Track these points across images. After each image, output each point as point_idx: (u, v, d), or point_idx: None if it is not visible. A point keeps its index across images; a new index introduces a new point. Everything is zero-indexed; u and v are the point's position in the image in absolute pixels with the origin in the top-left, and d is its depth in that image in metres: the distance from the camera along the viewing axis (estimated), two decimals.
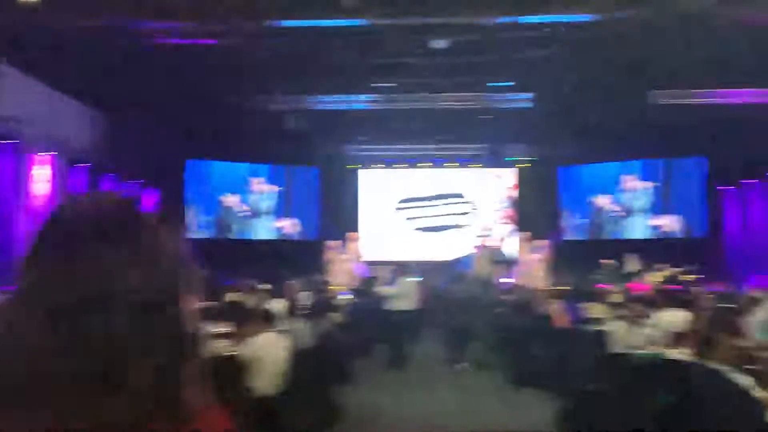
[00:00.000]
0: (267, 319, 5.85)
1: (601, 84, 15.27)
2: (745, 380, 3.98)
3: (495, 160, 20.17)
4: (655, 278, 15.83)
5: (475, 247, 18.56)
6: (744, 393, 3.84)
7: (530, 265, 17.76)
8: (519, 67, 14.50)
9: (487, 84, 15.71)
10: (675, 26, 11.67)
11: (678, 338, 6.30)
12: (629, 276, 17.17)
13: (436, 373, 9.38)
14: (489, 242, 19.89)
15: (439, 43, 14.05)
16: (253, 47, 13.08)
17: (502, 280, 17.35)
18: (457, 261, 17.46)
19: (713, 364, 4.04)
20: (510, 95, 15.54)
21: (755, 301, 8.63)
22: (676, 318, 7.41)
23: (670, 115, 15.62)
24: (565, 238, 20.37)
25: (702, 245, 18.92)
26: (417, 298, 9.83)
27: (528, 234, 18.61)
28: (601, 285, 14.75)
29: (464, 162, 20.41)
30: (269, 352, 5.35)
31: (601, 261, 17.38)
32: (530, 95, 15.17)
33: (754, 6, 10.59)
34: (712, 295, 10.53)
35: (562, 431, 6.19)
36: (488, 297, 10.80)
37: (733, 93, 14.66)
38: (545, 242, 18.35)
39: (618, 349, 6.34)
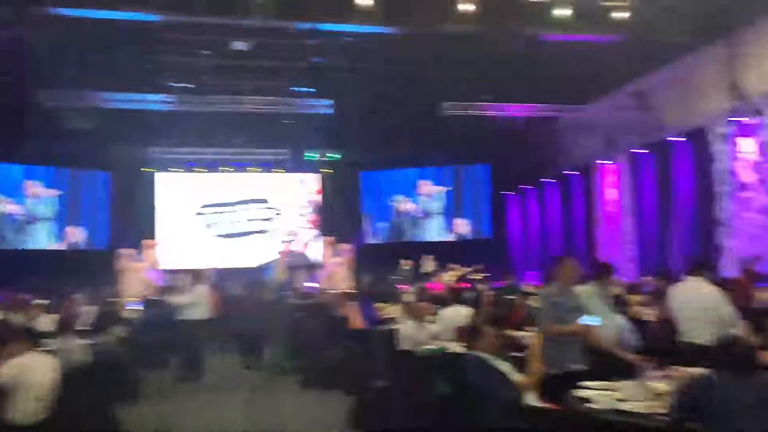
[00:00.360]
0: (31, 338, 5.32)
1: (397, 94, 16.17)
2: (504, 366, 4.43)
3: (298, 165, 20.34)
4: (448, 277, 16.99)
5: (279, 252, 18.56)
6: (503, 377, 4.27)
7: (333, 268, 18.15)
8: (320, 74, 14.81)
9: (291, 89, 15.85)
10: (458, 43, 12.72)
11: (459, 332, 6.82)
12: (426, 276, 18.26)
13: (233, 381, 9.20)
14: (293, 247, 20.01)
15: (240, 45, 13.88)
16: (31, 36, 11.87)
17: (306, 284, 17.57)
18: (260, 267, 17.34)
19: (479, 353, 4.44)
20: (312, 101, 15.77)
21: (527, 295, 9.65)
22: (459, 314, 8.01)
23: (458, 125, 16.93)
24: (367, 242, 21.13)
25: (489, 246, 20.74)
26: (212, 306, 9.56)
27: (331, 238, 19.02)
28: (400, 285, 15.55)
29: (267, 167, 20.32)
30: (31, 375, 4.86)
31: (401, 262, 18.29)
32: (331, 102, 15.52)
33: (528, 24, 11.80)
34: (493, 291, 11.53)
35: (352, 428, 6.40)
36: (287, 302, 10.84)
37: (514, 107, 16.24)
38: (348, 246, 18.87)
39: (407, 346, 6.70)
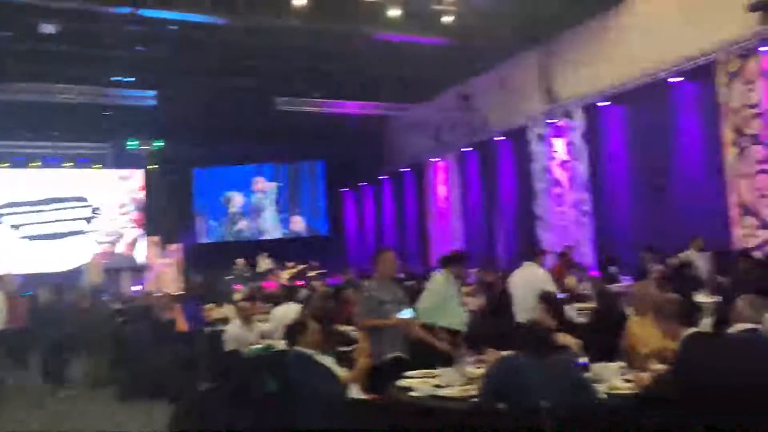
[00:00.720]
0: None
1: (229, 88, 15.66)
2: (327, 360, 4.39)
3: (119, 160, 18.98)
4: (285, 275, 16.81)
5: (94, 254, 17.24)
6: (326, 372, 4.23)
7: (161, 270, 17.21)
8: (141, 63, 13.90)
9: (111, 78, 14.73)
10: (292, 38, 12.58)
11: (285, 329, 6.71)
12: (263, 275, 17.92)
13: (37, 398, 8.32)
14: (117, 248, 18.71)
15: (49, 28, 12.63)
16: None
17: (132, 288, 16.49)
18: (74, 271, 15.96)
19: (302, 349, 4.36)
20: (133, 92, 14.77)
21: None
22: (290, 311, 7.90)
23: (292, 121, 16.79)
24: (199, 241, 20.31)
25: (325, 243, 20.83)
26: (11, 316, 8.58)
27: (157, 238, 18.00)
28: (235, 285, 15.09)
29: (84, 162, 18.74)
30: None
31: (236, 261, 17.79)
32: (153, 93, 14.63)
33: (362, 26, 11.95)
34: (328, 288, 11.55)
35: None
36: (104, 307, 10.05)
37: (348, 104, 16.41)
38: (177, 246, 18.00)
39: (233, 346, 6.46)
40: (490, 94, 15.31)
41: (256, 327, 7.02)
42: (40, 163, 18.26)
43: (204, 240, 20.47)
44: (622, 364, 4.10)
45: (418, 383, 4.02)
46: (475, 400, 3.51)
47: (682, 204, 11.19)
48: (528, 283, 6.03)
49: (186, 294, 10.83)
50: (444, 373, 4.04)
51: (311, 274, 16.50)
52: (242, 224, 21.00)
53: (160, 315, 9.08)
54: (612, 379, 3.77)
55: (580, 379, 3.24)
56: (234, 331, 6.58)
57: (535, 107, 14.23)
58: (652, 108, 11.72)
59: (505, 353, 3.41)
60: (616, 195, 12.69)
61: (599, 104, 12.67)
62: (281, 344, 6.37)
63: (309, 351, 4.29)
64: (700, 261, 9.35)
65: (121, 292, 14.33)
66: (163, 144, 18.77)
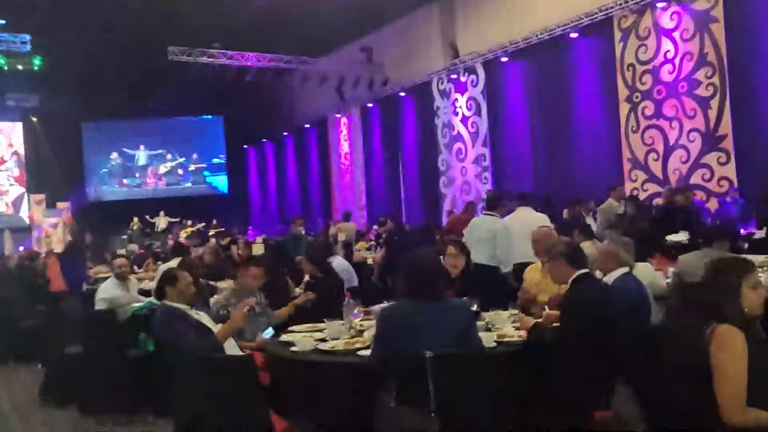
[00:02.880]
0: None
1: (120, 36, 14.33)
2: (202, 316, 3.91)
3: None
4: (182, 234, 15.97)
5: None
6: (195, 327, 3.76)
7: (47, 230, 15.89)
8: (12, 3, 12.38)
9: None
10: None
11: None
12: (161, 234, 17.01)
13: None
14: None
15: None
16: None
17: (20, 249, 15.14)
18: None
19: (171, 303, 3.86)
20: (4, 35, 13.16)
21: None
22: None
23: (189, 73, 15.63)
24: (91, 200, 18.91)
25: (226, 201, 19.92)
26: None
27: (42, 196, 16.56)
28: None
29: None
30: None
31: (134, 219, 16.79)
32: (27, 37, 13.09)
33: None
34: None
35: (47, 399, 5.41)
36: None
37: (247, 55, 15.34)
38: (65, 204, 16.66)
39: (105, 305, 5.81)
40: (393, 48, 14.84)
41: (134, 286, 6.35)
42: None
43: (96, 199, 19.06)
44: (515, 311, 3.85)
45: (302, 337, 3.61)
46: (361, 353, 3.14)
47: (580, 159, 11.26)
48: (528, 225, 5.43)
49: (69, 254, 9.85)
50: (330, 326, 3.64)
51: (211, 233, 15.77)
52: (136, 182, 19.72)
53: (35, 275, 8.18)
54: (504, 326, 3.51)
55: (468, 326, 2.94)
56: (108, 290, 5.89)
57: (437, 62, 13.91)
58: (552, 64, 11.65)
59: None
60: (515, 150, 12.63)
61: (501, 60, 12.49)
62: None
63: (178, 305, 3.77)
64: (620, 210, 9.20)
65: None
66: (49, 112, 17.09)
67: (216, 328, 3.81)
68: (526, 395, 2.98)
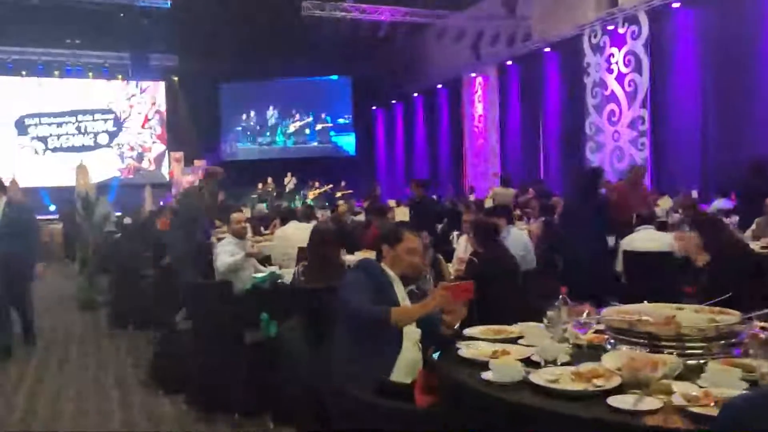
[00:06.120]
0: None
1: None
2: None
3: (141, 72, 16.97)
4: (309, 195, 15.14)
5: (120, 170, 15.64)
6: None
7: (184, 186, 15.54)
8: None
9: None
10: None
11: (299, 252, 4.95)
12: (289, 194, 16.28)
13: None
14: (140, 164, 17.10)
15: None
16: None
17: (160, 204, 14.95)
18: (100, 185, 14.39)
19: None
20: None
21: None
22: (297, 231, 6.15)
23: (320, 33, 14.52)
24: (225, 159, 18.51)
25: (354, 163, 18.89)
26: None
27: (180, 154, 16.26)
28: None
29: (104, 72, 16.79)
30: None
31: (268, 181, 16.14)
32: None
33: None
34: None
35: (154, 380, 4.46)
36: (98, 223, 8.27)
37: (380, 9, 13.83)
38: (202, 162, 16.26)
39: (223, 271, 4.73)
40: None
41: (248, 248, 5.11)
42: (58, 73, 16.35)
43: (230, 157, 18.65)
44: None
45: (499, 360, 2.16)
46: (614, 401, 1.68)
47: (761, 130, 8.94)
48: None
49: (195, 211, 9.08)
50: (536, 337, 2.21)
51: (338, 194, 14.80)
52: (266, 140, 19.11)
53: (157, 232, 7.35)
54: None
55: None
56: (227, 249, 4.75)
57: (588, 13, 11.82)
58: (736, 11, 9.30)
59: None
60: (681, 114, 10.43)
61: (672, 5, 10.24)
62: (287, 272, 4.61)
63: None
64: None
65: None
66: (189, 72, 16.65)
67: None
68: None
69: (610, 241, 5.54)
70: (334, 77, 18.71)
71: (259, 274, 4.74)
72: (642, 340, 2.11)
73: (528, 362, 2.10)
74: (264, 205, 12.55)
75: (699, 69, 10.04)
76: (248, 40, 15.68)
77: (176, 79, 17.35)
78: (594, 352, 2.17)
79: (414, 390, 2.26)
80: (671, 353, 2.03)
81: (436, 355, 2.47)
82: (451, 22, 13.66)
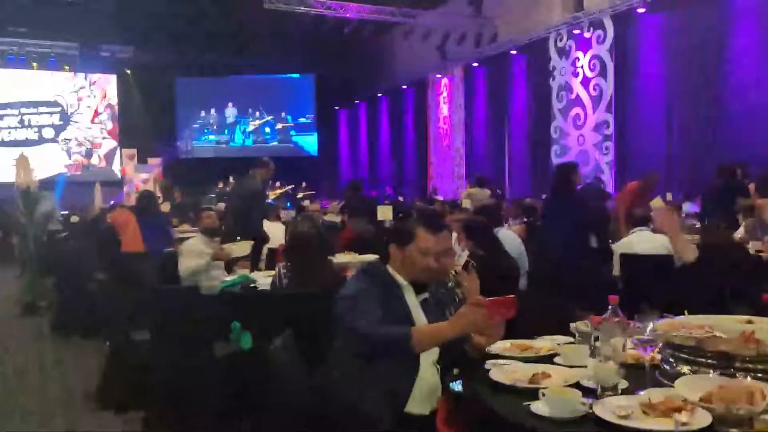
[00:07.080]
0: None
1: None
2: None
3: (92, 63, 15.98)
4: (270, 195, 14.55)
5: (67, 166, 14.69)
6: None
7: (137, 185, 14.73)
8: None
9: None
10: None
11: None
12: None
13: None
14: (89, 161, 16.14)
15: None
16: None
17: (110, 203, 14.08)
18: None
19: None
20: None
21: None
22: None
23: (283, 29, 13.99)
24: (181, 156, 17.71)
25: (316, 163, 18.35)
26: None
27: (133, 151, 15.39)
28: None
29: (51, 63, 15.69)
30: None
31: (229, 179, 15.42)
32: None
33: None
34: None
35: (106, 397, 3.90)
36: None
37: (348, 6, 13.34)
38: (156, 160, 15.48)
39: (186, 274, 4.23)
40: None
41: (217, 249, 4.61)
42: (0, 63, 15.24)
43: (186, 155, 17.84)
44: None
45: (551, 388, 1.76)
46: None
47: (729, 134, 8.90)
48: None
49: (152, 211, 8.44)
50: (567, 352, 1.82)
51: (300, 195, 14.27)
52: (225, 139, 18.38)
53: (110, 232, 6.71)
54: None
55: None
56: (196, 247, 4.24)
57: (557, 16, 11.68)
58: (704, 16, 9.25)
59: None
60: (646, 118, 10.36)
61: (637, 11, 10.15)
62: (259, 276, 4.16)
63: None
64: None
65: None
66: (145, 66, 15.78)
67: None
68: None
69: (592, 241, 5.30)
70: (296, 75, 18.13)
71: (228, 278, 4.25)
72: (712, 361, 1.75)
73: (581, 389, 1.71)
74: (222, 204, 11.90)
75: (664, 74, 9.99)
76: (208, 33, 15.01)
77: (129, 72, 16.44)
78: (639, 372, 1.80)
79: (437, 423, 1.84)
80: (745, 377, 1.68)
81: (454, 385, 2.07)
82: (418, 21, 13.33)
